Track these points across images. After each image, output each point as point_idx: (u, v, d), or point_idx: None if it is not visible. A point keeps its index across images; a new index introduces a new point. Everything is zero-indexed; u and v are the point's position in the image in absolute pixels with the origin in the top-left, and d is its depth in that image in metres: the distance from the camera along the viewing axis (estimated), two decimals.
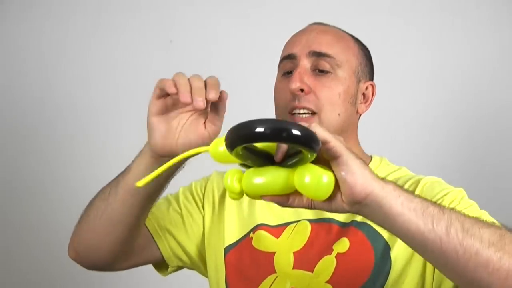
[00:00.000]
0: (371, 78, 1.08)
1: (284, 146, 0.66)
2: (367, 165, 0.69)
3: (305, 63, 1.00)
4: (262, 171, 0.68)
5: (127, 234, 0.94)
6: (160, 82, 0.82)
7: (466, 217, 0.71)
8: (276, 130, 0.61)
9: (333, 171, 0.67)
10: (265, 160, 0.68)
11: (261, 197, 0.69)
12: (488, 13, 1.67)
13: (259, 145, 0.68)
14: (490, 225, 0.71)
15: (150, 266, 1.11)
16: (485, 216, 0.87)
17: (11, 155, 1.76)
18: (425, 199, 0.70)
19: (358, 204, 0.67)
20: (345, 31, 1.07)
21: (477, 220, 0.71)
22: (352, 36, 1.07)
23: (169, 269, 1.07)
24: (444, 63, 1.68)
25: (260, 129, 0.61)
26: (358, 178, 0.65)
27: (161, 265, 1.08)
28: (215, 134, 0.83)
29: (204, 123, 0.84)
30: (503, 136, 1.65)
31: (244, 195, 0.70)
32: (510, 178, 1.64)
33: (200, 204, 1.06)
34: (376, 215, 0.69)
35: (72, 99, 1.76)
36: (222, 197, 1.06)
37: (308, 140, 0.62)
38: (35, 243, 1.73)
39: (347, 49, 1.03)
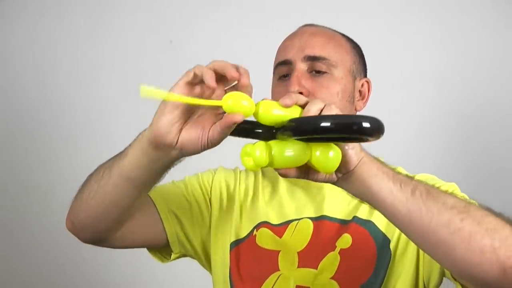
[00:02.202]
0: (365, 75, 1.10)
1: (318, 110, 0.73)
2: None
3: (302, 66, 1.00)
4: (286, 145, 0.74)
5: (123, 215, 0.91)
6: (198, 69, 0.76)
7: (435, 188, 0.76)
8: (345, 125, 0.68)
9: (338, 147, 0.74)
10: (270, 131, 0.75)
11: (281, 170, 0.76)
12: (488, 13, 1.68)
13: (279, 116, 0.73)
14: (461, 199, 0.75)
15: (153, 265, 1.11)
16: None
17: (10, 155, 1.76)
18: (397, 171, 0.78)
19: (346, 174, 0.76)
20: (335, 31, 1.08)
21: (447, 192, 0.76)
22: (343, 35, 1.08)
23: (172, 256, 1.06)
24: (443, 62, 1.68)
25: (325, 124, 0.68)
26: (354, 152, 0.75)
27: (162, 251, 1.06)
28: (214, 144, 0.76)
29: (210, 129, 0.76)
30: (503, 136, 1.66)
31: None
32: (510, 178, 1.65)
33: (207, 198, 1.06)
34: (356, 182, 0.76)
35: (72, 99, 1.77)
36: (231, 194, 1.07)
37: (376, 131, 0.69)
38: (34, 244, 1.73)
39: (340, 48, 1.04)
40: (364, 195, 0.77)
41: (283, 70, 1.02)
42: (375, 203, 0.77)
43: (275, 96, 1.03)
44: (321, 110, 0.73)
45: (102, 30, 1.78)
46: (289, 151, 0.73)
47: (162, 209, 1.01)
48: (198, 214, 1.05)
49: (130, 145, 0.84)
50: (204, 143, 0.75)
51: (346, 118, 0.71)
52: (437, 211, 0.72)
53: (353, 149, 0.75)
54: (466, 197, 0.94)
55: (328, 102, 0.75)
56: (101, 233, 0.93)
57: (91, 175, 0.92)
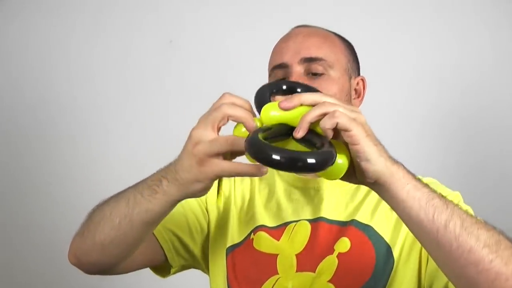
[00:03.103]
0: (359, 73, 1.09)
1: (305, 126, 0.70)
2: (386, 150, 0.73)
3: (298, 69, 1.00)
4: (287, 144, 0.73)
5: (134, 250, 0.92)
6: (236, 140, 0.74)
7: (468, 215, 0.73)
8: (291, 160, 0.65)
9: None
10: (285, 130, 0.73)
11: None
12: (489, 13, 1.67)
13: (280, 118, 0.73)
14: (491, 228, 0.74)
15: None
16: None
17: (12, 155, 1.76)
18: (433, 191, 0.74)
19: (368, 183, 0.74)
20: (328, 30, 1.08)
21: (479, 221, 0.74)
22: (336, 34, 1.07)
23: (172, 270, 1.06)
24: (444, 63, 1.68)
25: (276, 157, 0.65)
26: (370, 165, 0.71)
27: (162, 267, 1.07)
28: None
29: None
30: (504, 137, 1.66)
31: None
32: (509, 177, 1.64)
33: (203, 207, 1.06)
34: (383, 195, 0.74)
35: (72, 99, 1.76)
36: (226, 200, 1.07)
37: (324, 165, 0.66)
38: (36, 243, 1.73)
39: (334, 48, 1.03)
40: (395, 211, 0.76)
41: (279, 74, 1.02)
42: (405, 223, 0.75)
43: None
44: (323, 115, 0.71)
45: (102, 30, 1.78)
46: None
47: (157, 231, 1.01)
48: (196, 224, 1.04)
49: (142, 195, 0.82)
50: None
51: (295, 154, 0.66)
52: (468, 249, 0.71)
53: (368, 162, 0.71)
54: (470, 210, 0.93)
55: (336, 104, 0.71)
56: (109, 266, 0.93)
57: (101, 218, 0.88)
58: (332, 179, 0.74)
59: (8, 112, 1.77)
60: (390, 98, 1.65)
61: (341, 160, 0.71)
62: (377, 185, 0.73)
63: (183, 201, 1.03)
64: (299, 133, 0.70)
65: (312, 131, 0.71)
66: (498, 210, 1.56)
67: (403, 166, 0.74)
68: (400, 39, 1.69)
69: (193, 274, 1.13)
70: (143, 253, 0.99)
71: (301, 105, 0.72)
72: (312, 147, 0.71)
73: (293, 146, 0.73)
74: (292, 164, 0.65)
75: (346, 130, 0.70)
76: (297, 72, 0.99)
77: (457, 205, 0.75)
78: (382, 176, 0.72)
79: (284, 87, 0.89)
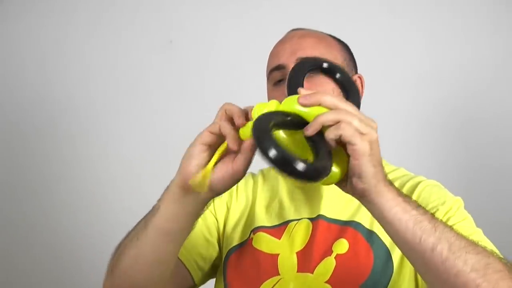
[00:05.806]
0: (356, 71, 1.10)
1: (316, 126, 0.70)
2: (383, 172, 0.73)
3: None
4: (291, 137, 0.74)
5: (168, 268, 0.91)
6: (221, 124, 0.78)
7: (458, 238, 0.73)
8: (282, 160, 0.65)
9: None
10: (301, 123, 0.72)
11: None
12: (489, 13, 1.68)
13: (299, 111, 0.72)
14: (481, 251, 0.74)
15: None
16: (479, 234, 0.90)
17: (12, 155, 1.76)
18: (423, 213, 0.74)
19: (356, 197, 0.75)
20: (322, 32, 1.08)
21: (468, 244, 0.74)
22: (330, 35, 1.08)
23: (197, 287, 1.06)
24: (444, 63, 1.68)
25: (272, 152, 0.65)
26: (360, 183, 0.72)
27: None
28: (245, 169, 0.79)
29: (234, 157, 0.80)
30: (502, 136, 1.66)
31: None
32: (509, 178, 1.65)
33: (213, 213, 1.07)
34: (372, 213, 0.76)
35: (73, 99, 1.77)
36: (228, 202, 1.08)
37: (312, 179, 0.66)
38: (36, 243, 1.73)
39: (330, 47, 1.04)
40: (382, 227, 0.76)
41: (277, 76, 1.02)
42: (392, 239, 0.76)
43: None
44: (336, 122, 0.70)
45: (102, 30, 1.78)
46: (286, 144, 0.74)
47: (189, 263, 1.02)
48: (215, 242, 1.05)
49: (159, 201, 0.85)
50: (234, 179, 0.79)
51: (290, 157, 0.65)
52: (455, 273, 0.71)
53: (359, 179, 0.71)
54: (470, 218, 0.94)
55: (353, 115, 0.70)
56: None
57: (125, 245, 0.90)
58: (321, 184, 0.74)
59: (7, 112, 1.77)
60: (391, 99, 1.65)
61: (336, 170, 0.72)
62: (365, 202, 0.74)
63: (207, 221, 1.04)
64: (309, 131, 0.71)
65: (322, 134, 0.71)
66: (499, 210, 1.56)
67: (396, 189, 0.74)
68: (402, 40, 1.70)
69: None
70: (173, 281, 0.97)
71: (320, 105, 0.72)
72: (313, 150, 0.71)
73: (299, 140, 0.73)
74: (283, 165, 0.65)
75: (350, 144, 0.70)
76: None
77: (448, 226, 0.74)
78: (369, 195, 0.73)
79: (326, 65, 0.89)
